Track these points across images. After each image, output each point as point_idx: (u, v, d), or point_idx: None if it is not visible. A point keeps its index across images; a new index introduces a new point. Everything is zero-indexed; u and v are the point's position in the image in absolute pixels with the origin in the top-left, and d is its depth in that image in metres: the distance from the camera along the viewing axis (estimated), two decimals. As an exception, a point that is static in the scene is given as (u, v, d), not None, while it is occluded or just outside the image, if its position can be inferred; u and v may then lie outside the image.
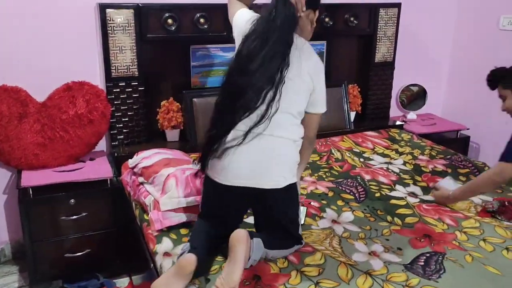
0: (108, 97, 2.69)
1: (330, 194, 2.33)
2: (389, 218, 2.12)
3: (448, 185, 2.32)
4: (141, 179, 2.22)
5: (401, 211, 2.18)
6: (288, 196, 1.78)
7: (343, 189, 2.38)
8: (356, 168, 2.66)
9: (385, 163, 2.76)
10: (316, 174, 2.57)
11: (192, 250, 1.66)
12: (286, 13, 1.69)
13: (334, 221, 2.09)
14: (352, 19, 3.18)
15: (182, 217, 1.98)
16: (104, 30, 2.58)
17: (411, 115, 3.64)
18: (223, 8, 2.70)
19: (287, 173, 1.75)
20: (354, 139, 3.08)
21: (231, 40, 2.87)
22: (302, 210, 2.15)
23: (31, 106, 2.54)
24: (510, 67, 2.10)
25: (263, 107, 1.65)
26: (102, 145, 2.83)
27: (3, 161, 2.51)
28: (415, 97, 3.72)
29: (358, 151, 2.93)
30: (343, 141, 3.05)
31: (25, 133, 2.47)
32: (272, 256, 1.75)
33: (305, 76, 1.75)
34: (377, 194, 2.34)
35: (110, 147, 2.83)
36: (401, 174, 2.60)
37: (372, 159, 2.82)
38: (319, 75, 1.81)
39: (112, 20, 2.58)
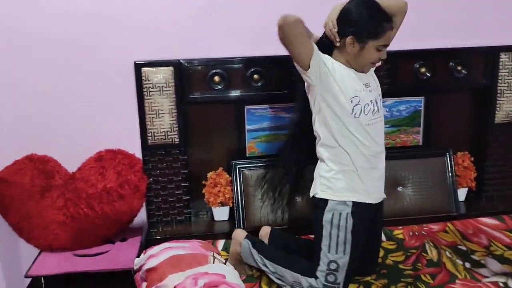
0: (145, 167, 2.30)
1: (407, 327, 1.59)
2: None
3: None
4: (144, 285, 1.72)
5: None
6: (314, 210, 1.85)
7: (428, 319, 1.62)
8: (456, 281, 1.85)
9: (503, 274, 1.90)
10: (392, 287, 1.82)
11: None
12: None
13: None
14: (459, 68, 2.43)
15: None
16: (139, 92, 2.23)
17: (554, 193, 2.65)
18: (281, 61, 2.22)
19: (315, 185, 1.85)
20: (462, 229, 2.25)
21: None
22: None
23: (58, 178, 2.25)
24: None
25: None
26: (143, 220, 2.43)
27: (24, 239, 2.23)
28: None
29: (465, 249, 2.10)
30: (446, 231, 2.25)
31: (46, 209, 2.16)
32: (271, 270, 1.84)
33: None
34: (483, 336, 1.53)
35: (148, 225, 2.41)
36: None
37: (483, 266, 1.97)
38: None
39: (148, 80, 2.22)
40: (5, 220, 2.19)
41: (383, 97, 2.45)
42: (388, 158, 2.44)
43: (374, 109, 1.79)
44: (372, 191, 1.82)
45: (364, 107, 1.76)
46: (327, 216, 1.76)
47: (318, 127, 1.81)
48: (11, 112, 2.23)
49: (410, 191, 2.40)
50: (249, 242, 1.91)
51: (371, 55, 1.74)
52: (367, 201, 1.79)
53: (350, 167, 1.77)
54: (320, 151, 1.83)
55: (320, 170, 1.83)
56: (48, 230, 2.16)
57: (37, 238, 2.17)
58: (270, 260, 1.84)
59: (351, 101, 1.74)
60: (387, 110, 2.52)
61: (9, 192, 2.14)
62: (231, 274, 1.71)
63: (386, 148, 2.52)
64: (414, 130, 2.56)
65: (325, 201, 1.78)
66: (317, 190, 1.81)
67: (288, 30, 1.64)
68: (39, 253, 2.20)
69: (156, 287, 1.61)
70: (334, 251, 1.73)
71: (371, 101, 1.78)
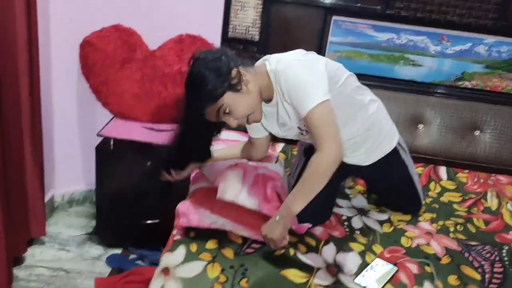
0: (222, 59, 2.31)
1: (445, 260, 1.56)
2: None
3: None
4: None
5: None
6: None
7: (471, 259, 1.58)
8: (510, 232, 1.77)
9: None
10: (441, 222, 1.78)
11: None
12: None
13: (427, 307, 1.36)
14: None
15: (218, 222, 1.51)
16: (229, -20, 2.20)
17: None
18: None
19: None
20: (532, 187, 2.12)
21: (388, 17, 2.25)
22: (391, 269, 1.48)
23: (139, 52, 2.33)
24: None
25: None
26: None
27: (101, 102, 2.38)
28: None
29: (530, 206, 1.99)
30: (513, 185, 2.12)
31: (123, 79, 2.28)
32: None
33: None
34: (524, 286, 1.48)
35: (215, 116, 2.48)
36: None
37: (545, 226, 1.87)
38: None
39: (240, -31, 2.17)
40: (87, 82, 2.35)
41: (486, 33, 2.28)
42: (472, 99, 2.33)
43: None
44: None
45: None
46: None
47: None
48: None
49: (488, 138, 2.26)
50: None
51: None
52: None
53: None
54: None
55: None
56: (123, 99, 2.29)
57: (112, 104, 2.32)
58: None
59: None
60: (486, 48, 2.31)
61: (93, 55, 2.25)
62: (285, 179, 1.74)
63: (473, 89, 2.38)
64: (510, 76, 2.35)
65: None
66: None
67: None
68: (112, 118, 2.36)
69: (216, 163, 1.69)
70: None
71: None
